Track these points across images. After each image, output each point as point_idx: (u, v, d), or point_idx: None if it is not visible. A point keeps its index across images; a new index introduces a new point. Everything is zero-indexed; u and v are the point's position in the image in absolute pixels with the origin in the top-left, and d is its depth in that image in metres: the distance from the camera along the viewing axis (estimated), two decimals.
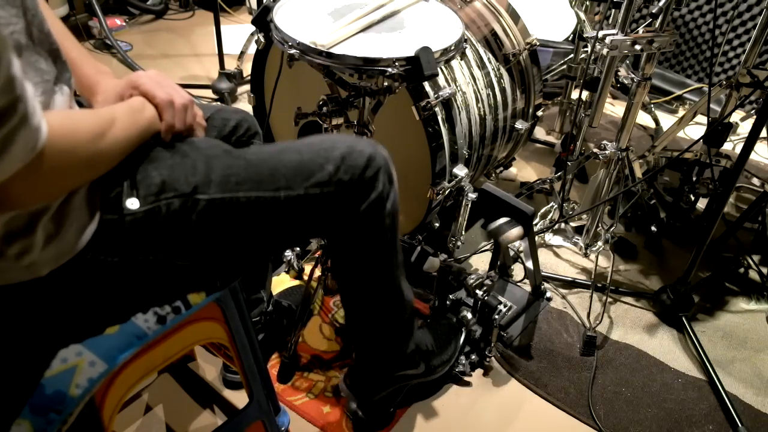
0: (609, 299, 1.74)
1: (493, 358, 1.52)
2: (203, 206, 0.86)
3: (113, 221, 0.81)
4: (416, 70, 1.11)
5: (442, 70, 1.52)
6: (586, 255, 1.89)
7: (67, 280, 0.80)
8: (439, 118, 1.45)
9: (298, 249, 1.73)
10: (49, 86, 0.75)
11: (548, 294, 1.73)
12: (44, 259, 0.76)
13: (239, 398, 1.40)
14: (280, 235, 1.00)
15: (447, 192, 1.54)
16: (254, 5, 3.31)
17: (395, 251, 1.12)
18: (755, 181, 2.26)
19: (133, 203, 0.82)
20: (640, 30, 1.56)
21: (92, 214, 0.80)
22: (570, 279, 1.79)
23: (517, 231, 1.48)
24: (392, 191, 1.04)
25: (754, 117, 1.41)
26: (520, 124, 1.78)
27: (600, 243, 1.86)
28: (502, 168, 1.97)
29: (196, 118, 0.96)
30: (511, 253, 1.80)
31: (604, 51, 1.52)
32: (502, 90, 1.71)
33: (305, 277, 1.71)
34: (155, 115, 0.89)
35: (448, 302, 1.55)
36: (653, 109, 2.57)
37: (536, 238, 1.79)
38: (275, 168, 0.92)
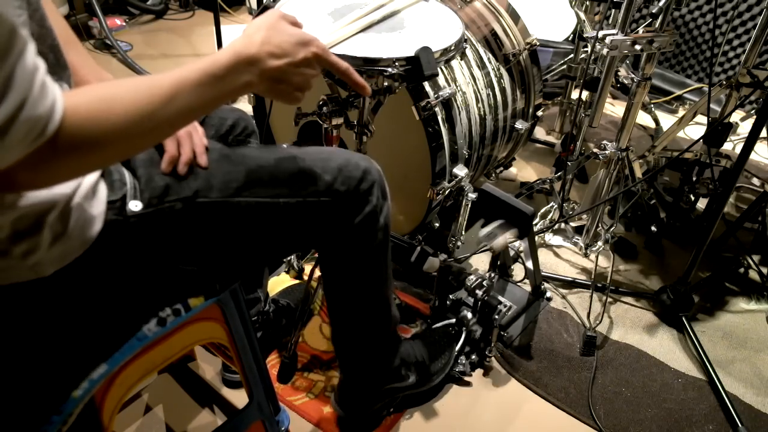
0: (609, 299, 1.74)
1: (493, 358, 1.52)
2: (204, 210, 0.87)
3: (118, 223, 0.81)
4: (416, 70, 1.11)
5: (442, 70, 1.52)
6: (586, 255, 1.89)
7: (71, 281, 0.80)
8: (439, 118, 1.45)
9: None
10: None
11: (548, 294, 1.72)
12: (50, 258, 0.77)
13: (239, 398, 1.40)
14: (277, 242, 1.01)
15: (447, 192, 1.54)
16: (254, 5, 3.31)
17: (386, 265, 1.13)
18: (755, 181, 2.26)
19: (136, 205, 0.83)
20: (640, 30, 1.56)
21: (98, 215, 0.80)
22: (570, 279, 1.79)
23: (503, 239, 1.48)
24: (385, 206, 1.05)
25: (754, 117, 1.41)
26: (520, 124, 1.78)
27: (600, 243, 1.85)
28: (502, 168, 1.97)
29: (197, 147, 0.92)
30: (511, 253, 1.80)
31: (604, 51, 1.52)
32: (502, 90, 1.71)
33: (305, 277, 1.71)
34: (241, 87, 0.76)
35: (448, 302, 1.55)
36: (653, 109, 2.57)
37: (536, 238, 1.79)
38: (274, 174, 0.93)
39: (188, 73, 0.71)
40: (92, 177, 0.81)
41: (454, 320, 1.50)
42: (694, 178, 1.96)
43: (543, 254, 1.88)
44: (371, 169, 1.01)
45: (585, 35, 1.96)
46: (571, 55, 2.19)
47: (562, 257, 1.89)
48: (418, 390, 1.37)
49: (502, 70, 1.71)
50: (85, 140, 0.63)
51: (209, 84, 0.72)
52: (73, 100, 0.62)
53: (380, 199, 1.03)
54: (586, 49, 2.16)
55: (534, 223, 1.91)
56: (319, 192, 0.95)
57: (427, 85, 1.42)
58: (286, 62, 0.78)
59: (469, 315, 1.47)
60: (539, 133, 2.49)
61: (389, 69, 1.12)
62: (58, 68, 0.78)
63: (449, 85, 1.52)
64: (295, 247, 1.14)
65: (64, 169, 0.65)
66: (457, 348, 1.46)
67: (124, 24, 3.26)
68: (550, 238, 1.93)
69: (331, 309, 1.19)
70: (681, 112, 2.71)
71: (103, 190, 0.82)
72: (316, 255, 1.17)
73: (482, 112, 1.64)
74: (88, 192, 0.79)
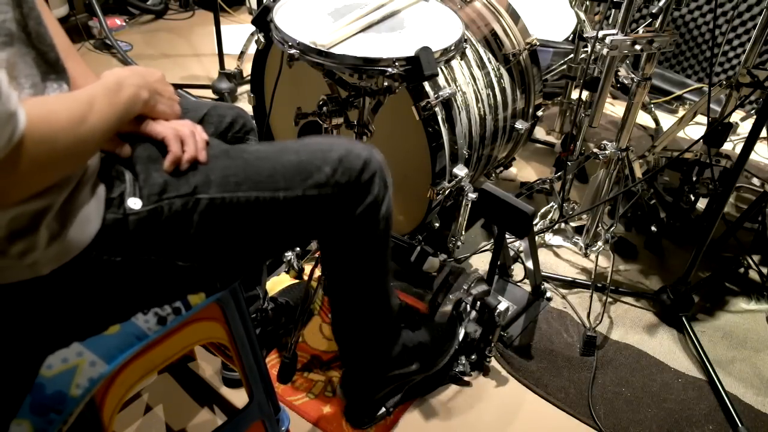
0: (609, 299, 1.74)
1: (493, 358, 1.52)
2: (204, 206, 0.87)
3: (116, 221, 0.81)
4: (416, 70, 1.11)
5: (442, 70, 1.52)
6: (586, 255, 1.89)
7: (69, 279, 0.80)
8: (439, 118, 1.45)
9: (298, 249, 1.73)
10: (37, 80, 0.75)
11: (548, 294, 1.73)
12: (47, 257, 0.76)
13: (239, 398, 1.40)
14: (279, 236, 1.01)
15: (447, 192, 1.54)
16: (254, 5, 3.31)
17: (387, 255, 1.13)
18: (755, 181, 2.26)
19: (135, 203, 0.83)
20: (640, 30, 1.56)
21: (96, 214, 0.80)
22: (570, 279, 1.79)
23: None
24: (387, 195, 1.06)
25: (754, 117, 1.41)
26: (520, 124, 1.78)
27: (600, 243, 1.86)
28: (502, 168, 1.97)
29: (198, 143, 0.93)
30: (511, 253, 1.80)
31: (604, 51, 1.52)
32: (502, 90, 1.71)
33: (305, 277, 1.71)
34: (133, 94, 0.85)
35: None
36: (653, 109, 2.57)
37: (536, 238, 1.79)
38: (274, 168, 0.93)
39: (94, 87, 0.80)
40: (90, 175, 0.81)
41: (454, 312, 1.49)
42: (694, 178, 1.96)
43: (543, 254, 1.88)
44: (372, 159, 1.00)
45: (585, 35, 1.96)
46: (571, 55, 2.19)
47: (562, 257, 1.89)
48: (423, 375, 1.37)
49: (502, 70, 1.71)
50: (43, 144, 0.66)
51: (108, 95, 0.80)
52: (25, 104, 0.64)
53: (382, 188, 1.03)
54: (586, 49, 2.16)
55: (534, 223, 1.91)
56: (319, 184, 0.95)
57: (427, 85, 1.42)
58: (154, 78, 0.92)
59: (469, 308, 1.47)
60: (539, 133, 2.49)
61: (389, 69, 1.12)
62: (58, 67, 0.79)
63: (449, 85, 1.52)
64: (297, 240, 1.15)
65: (31, 178, 0.68)
66: (461, 335, 1.46)
67: (124, 24, 3.26)
68: (550, 238, 1.94)
69: (332, 298, 1.19)
70: (681, 112, 2.71)
71: (101, 188, 0.82)
72: (317, 255, 1.17)
73: (482, 112, 1.65)
74: (86, 190, 0.79)
